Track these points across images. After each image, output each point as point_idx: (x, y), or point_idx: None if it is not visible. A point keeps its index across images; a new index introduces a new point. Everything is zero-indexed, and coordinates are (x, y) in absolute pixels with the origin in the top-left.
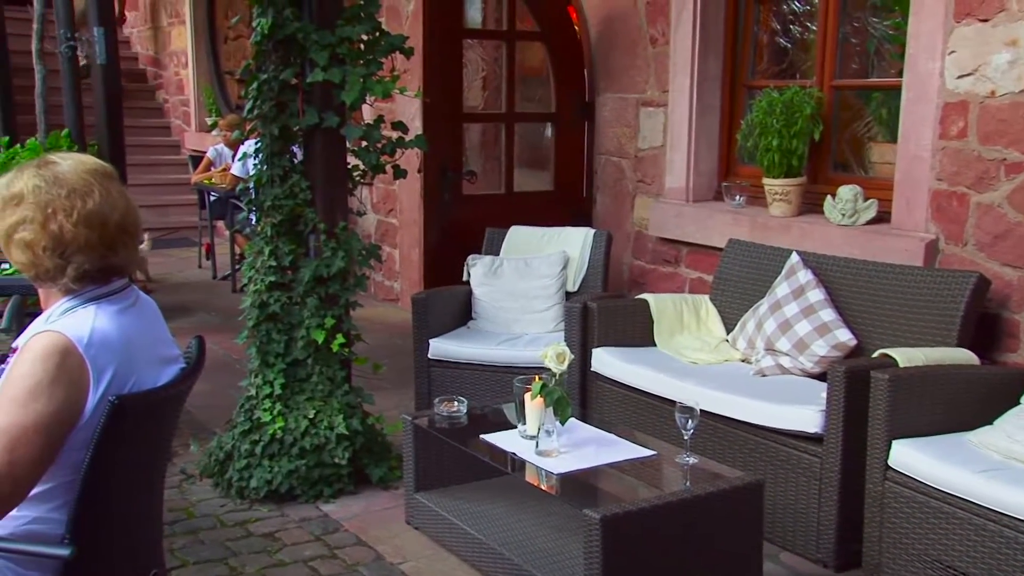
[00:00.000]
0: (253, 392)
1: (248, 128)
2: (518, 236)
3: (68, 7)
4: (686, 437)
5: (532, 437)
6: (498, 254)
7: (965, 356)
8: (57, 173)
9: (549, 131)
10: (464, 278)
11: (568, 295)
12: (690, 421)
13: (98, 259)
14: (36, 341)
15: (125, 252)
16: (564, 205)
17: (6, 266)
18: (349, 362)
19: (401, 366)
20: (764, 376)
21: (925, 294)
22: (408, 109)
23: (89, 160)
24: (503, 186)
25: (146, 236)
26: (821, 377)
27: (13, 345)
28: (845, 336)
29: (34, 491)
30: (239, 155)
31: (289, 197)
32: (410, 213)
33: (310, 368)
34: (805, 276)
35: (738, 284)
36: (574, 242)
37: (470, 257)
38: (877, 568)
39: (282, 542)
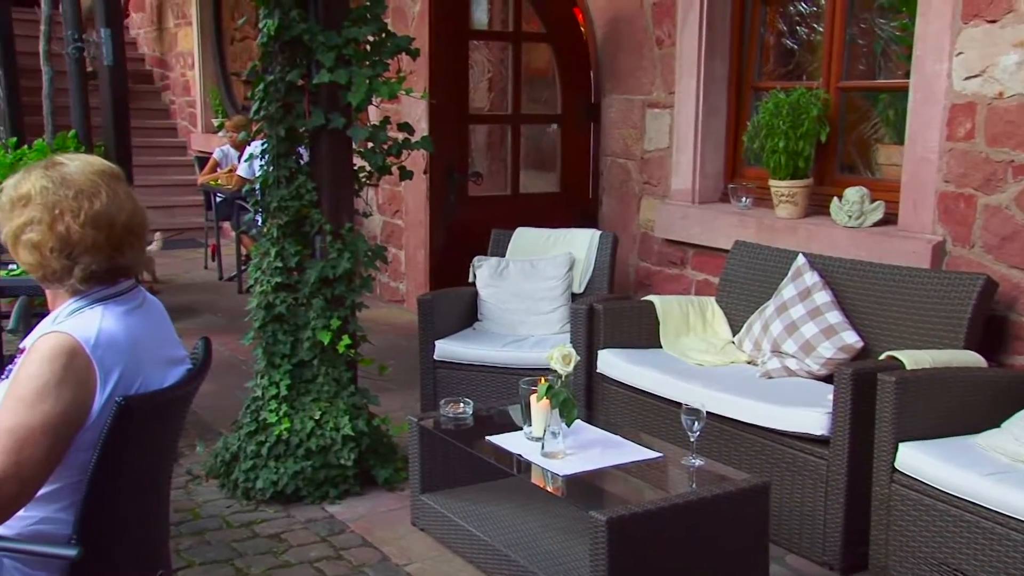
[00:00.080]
0: (259, 393)
1: (254, 129)
2: (524, 238)
3: (75, 8)
4: (692, 439)
5: (538, 439)
6: (504, 255)
7: (972, 358)
8: (64, 174)
9: (555, 132)
10: (470, 279)
11: (574, 297)
12: (696, 423)
13: (105, 260)
14: (43, 342)
15: (132, 253)
16: (570, 206)
17: (13, 267)
18: (355, 363)
19: (407, 367)
20: (770, 378)
21: (932, 296)
22: (414, 110)
23: (96, 161)
24: (509, 187)
25: (157, 235)
26: (827, 379)
27: (20, 346)
28: (852, 338)
29: (41, 492)
30: (245, 156)
31: (295, 198)
32: (416, 214)
33: (316, 369)
34: (812, 278)
35: (744, 286)
36: (580, 244)
37: (476, 258)
38: (884, 571)
39: (288, 543)
